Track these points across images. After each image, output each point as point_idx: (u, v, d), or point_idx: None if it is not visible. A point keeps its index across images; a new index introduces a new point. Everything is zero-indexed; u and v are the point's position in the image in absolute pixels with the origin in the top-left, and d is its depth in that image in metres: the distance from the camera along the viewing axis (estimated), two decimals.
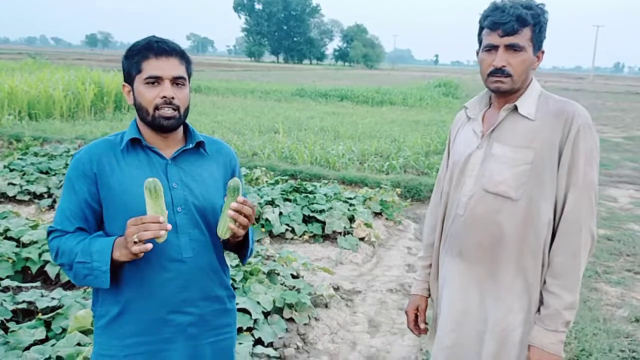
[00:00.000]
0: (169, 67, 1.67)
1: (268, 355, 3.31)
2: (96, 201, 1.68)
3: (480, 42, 1.88)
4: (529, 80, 1.88)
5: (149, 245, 1.53)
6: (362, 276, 5.14)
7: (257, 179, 7.76)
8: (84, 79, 16.36)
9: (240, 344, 3.22)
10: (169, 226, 1.55)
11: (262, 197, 6.23)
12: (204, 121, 13.96)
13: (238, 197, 1.66)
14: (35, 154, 8.61)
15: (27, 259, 4.18)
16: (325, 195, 6.69)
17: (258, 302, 3.60)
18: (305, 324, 3.83)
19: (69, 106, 14.74)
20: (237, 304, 3.46)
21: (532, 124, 1.82)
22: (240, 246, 1.86)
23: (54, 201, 6.82)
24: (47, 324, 3.21)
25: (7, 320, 3.25)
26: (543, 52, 1.87)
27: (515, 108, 1.85)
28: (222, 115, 15.61)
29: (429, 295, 2.21)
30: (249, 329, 3.46)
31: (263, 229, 5.77)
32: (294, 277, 4.40)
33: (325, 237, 5.95)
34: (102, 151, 1.70)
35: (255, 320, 3.50)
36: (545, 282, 1.82)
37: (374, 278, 5.09)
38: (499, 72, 1.80)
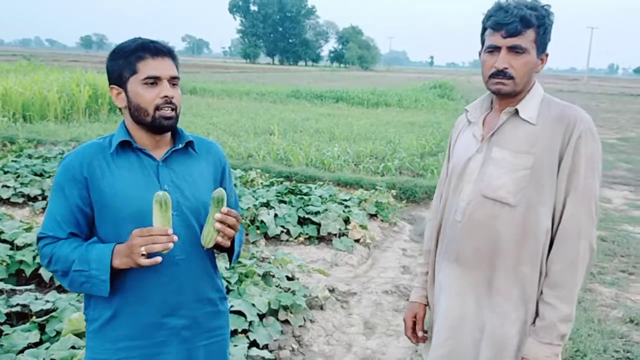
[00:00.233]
0: (165, 67, 1.68)
1: (263, 358, 3.30)
2: (88, 205, 1.66)
3: (483, 42, 1.83)
4: (531, 83, 1.83)
5: (159, 259, 1.55)
6: (357, 278, 5.14)
7: (252, 180, 7.76)
8: (79, 80, 16.33)
9: (235, 346, 3.22)
10: (176, 238, 1.57)
11: (257, 199, 6.23)
12: (199, 123, 13.95)
13: (222, 207, 1.66)
14: (30, 156, 8.58)
15: (21, 261, 4.16)
16: (320, 197, 6.69)
17: (253, 304, 3.60)
18: (300, 326, 3.82)
19: (63, 108, 14.69)
20: (231, 306, 3.50)
21: (533, 129, 1.77)
22: (227, 250, 1.86)
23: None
24: (41, 327, 3.20)
25: (1, 324, 3.24)
26: (547, 55, 1.81)
27: (517, 112, 1.80)
28: (218, 116, 15.60)
29: (428, 302, 2.16)
30: (244, 331, 3.45)
31: (258, 231, 5.77)
32: (289, 279, 4.39)
33: (321, 238, 5.95)
34: (91, 155, 1.68)
35: (250, 323, 3.50)
36: (542, 292, 1.77)
37: (369, 280, 5.09)
38: (500, 74, 1.75)
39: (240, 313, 3.51)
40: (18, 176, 7.25)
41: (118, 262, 1.57)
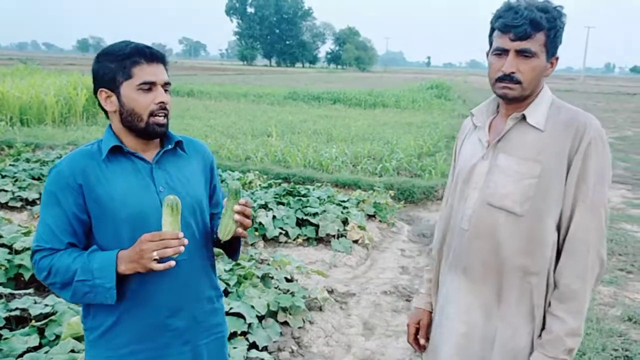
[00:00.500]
0: (160, 72, 1.68)
1: (262, 359, 3.31)
2: (84, 213, 1.63)
3: (491, 43, 1.75)
4: (540, 88, 1.76)
5: (173, 263, 1.56)
6: (356, 279, 5.15)
7: (250, 182, 7.76)
8: (76, 84, 16.30)
9: (234, 348, 3.22)
10: (186, 241, 1.57)
11: (255, 201, 6.23)
12: (196, 125, 13.95)
13: (240, 199, 1.70)
14: (27, 160, 8.58)
15: (19, 265, 4.16)
16: (318, 198, 6.69)
17: (252, 306, 3.60)
18: (299, 328, 3.83)
19: (60, 112, 14.68)
20: (230, 308, 3.50)
21: (540, 135, 1.70)
22: (232, 243, 1.88)
23: None
24: (41, 331, 3.20)
25: (0, 328, 3.23)
26: (557, 59, 1.74)
27: (524, 117, 1.73)
28: (215, 119, 15.60)
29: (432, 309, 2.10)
30: (244, 333, 3.46)
31: (257, 233, 5.77)
32: (288, 280, 4.40)
33: (319, 240, 5.96)
34: (83, 162, 1.64)
35: (250, 325, 3.50)
36: (550, 304, 1.72)
37: (368, 280, 5.10)
38: (507, 78, 1.68)
39: (239, 315, 3.51)
40: (16, 180, 7.25)
41: (124, 268, 1.56)
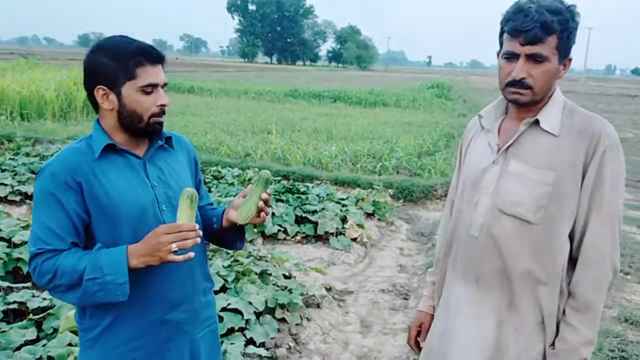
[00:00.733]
0: (161, 73, 1.67)
1: (260, 356, 3.31)
2: (84, 211, 1.60)
3: (501, 43, 1.68)
4: (552, 90, 1.70)
5: (192, 254, 1.56)
6: (354, 276, 5.15)
7: (249, 179, 7.76)
8: (76, 79, 16.31)
9: (232, 344, 3.23)
10: (201, 232, 1.58)
11: None
12: (197, 122, 13.95)
13: (268, 189, 1.77)
14: (27, 154, 8.58)
15: (18, 259, 4.17)
16: (317, 196, 6.70)
17: (250, 302, 3.61)
18: (297, 324, 3.83)
19: (61, 106, 14.69)
20: (229, 304, 3.51)
21: (554, 141, 1.64)
22: (237, 232, 1.91)
23: None
24: (38, 324, 3.21)
25: None
26: (570, 60, 1.67)
27: (537, 122, 1.67)
28: (215, 116, 15.60)
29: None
30: (241, 329, 3.46)
31: (255, 230, 5.78)
32: (286, 277, 4.40)
33: (318, 237, 5.96)
34: (78, 160, 1.61)
35: (247, 321, 3.51)
36: (564, 313, 1.68)
37: (366, 278, 5.11)
38: (517, 83, 1.62)
39: (237, 311, 3.52)
40: (15, 174, 7.25)
41: (136, 262, 1.54)
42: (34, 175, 7.21)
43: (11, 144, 9.93)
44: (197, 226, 1.56)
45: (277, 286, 4.12)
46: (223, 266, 4.10)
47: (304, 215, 6.10)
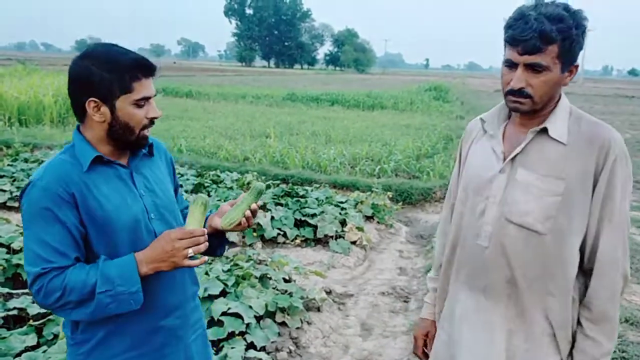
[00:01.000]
0: (152, 86, 1.64)
1: (260, 359, 3.31)
2: (81, 223, 1.56)
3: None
4: (557, 98, 1.67)
5: (206, 258, 1.59)
6: (354, 280, 5.15)
7: (248, 183, 7.76)
8: None
9: (232, 348, 3.22)
10: (207, 237, 1.60)
11: None
12: (195, 126, 13.94)
13: (259, 201, 1.78)
14: (26, 160, 8.57)
15: (17, 265, 4.16)
16: (316, 199, 6.70)
17: (250, 307, 3.61)
18: (297, 328, 3.83)
19: (59, 112, 14.69)
20: (229, 308, 3.50)
21: (563, 150, 1.61)
22: (219, 237, 1.90)
23: None
24: (39, 331, 3.20)
25: None
26: (577, 67, 1.62)
27: (544, 130, 1.64)
28: (214, 120, 15.61)
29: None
30: (241, 333, 3.46)
31: (255, 234, 5.78)
32: (286, 281, 4.40)
33: (317, 241, 5.96)
34: (69, 172, 1.56)
35: (248, 325, 3.51)
36: (581, 325, 1.66)
37: (365, 281, 5.11)
38: (517, 92, 1.59)
39: (237, 315, 3.51)
40: (14, 180, 7.25)
41: (146, 270, 1.54)
42: None
43: (9, 150, 9.92)
44: (206, 231, 1.58)
45: (277, 290, 4.12)
46: (223, 270, 4.09)
47: (303, 218, 6.11)
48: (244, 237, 5.77)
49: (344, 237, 5.92)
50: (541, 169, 1.63)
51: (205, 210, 1.61)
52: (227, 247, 1.98)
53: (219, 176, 7.98)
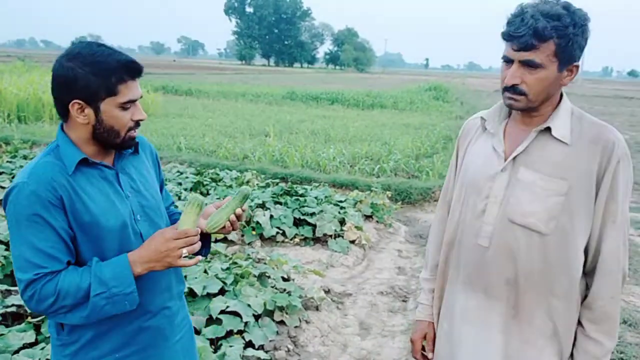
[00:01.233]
0: (139, 87, 1.61)
1: (259, 358, 3.31)
2: (70, 227, 1.53)
3: None
4: (556, 98, 1.66)
5: (200, 257, 1.61)
6: (352, 279, 5.15)
7: (247, 182, 7.76)
8: None
9: (231, 346, 3.22)
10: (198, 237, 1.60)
11: (252, 200, 6.23)
12: (194, 124, 13.94)
13: (244, 205, 1.77)
14: (25, 157, 8.57)
15: None
16: (316, 198, 6.70)
17: (249, 305, 3.61)
18: (296, 327, 3.83)
19: None
20: (227, 306, 3.50)
21: (566, 150, 1.60)
22: (205, 240, 1.89)
23: None
24: (37, 328, 3.20)
25: None
26: (577, 66, 1.60)
27: (547, 129, 1.63)
28: (213, 118, 15.61)
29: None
30: (240, 332, 3.46)
31: (254, 232, 5.77)
32: (284, 279, 4.40)
33: (316, 240, 5.96)
34: (55, 176, 1.52)
35: (246, 323, 3.50)
36: (582, 325, 1.67)
37: (364, 281, 5.10)
38: (511, 89, 1.60)
39: (235, 314, 3.51)
40: (13, 177, 7.24)
41: (140, 270, 1.54)
42: None
43: (8, 147, 9.91)
44: (199, 230, 1.58)
45: (276, 289, 4.12)
46: (222, 269, 4.09)
47: (302, 217, 6.10)
48: (243, 235, 5.76)
49: (342, 236, 5.92)
50: (544, 169, 1.62)
51: (200, 211, 1.61)
52: (210, 248, 1.97)
53: (218, 174, 7.98)
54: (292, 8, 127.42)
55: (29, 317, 3.29)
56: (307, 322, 3.97)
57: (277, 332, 3.68)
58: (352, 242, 5.91)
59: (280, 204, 6.38)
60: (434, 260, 2.01)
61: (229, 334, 3.42)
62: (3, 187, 6.87)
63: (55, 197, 1.50)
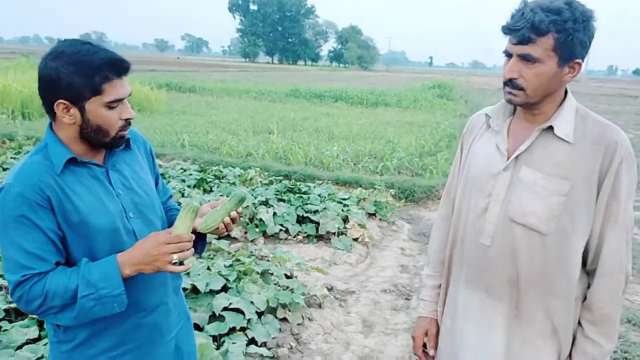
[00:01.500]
0: (126, 85, 1.58)
1: (261, 355, 3.31)
2: (58, 227, 1.52)
3: None
4: (559, 95, 1.63)
5: (191, 264, 1.58)
6: (355, 276, 5.15)
7: (251, 179, 7.76)
8: None
9: (233, 343, 3.22)
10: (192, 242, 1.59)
11: (256, 197, 6.23)
12: (198, 122, 13.95)
13: (239, 208, 1.76)
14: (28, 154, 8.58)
15: None
16: (319, 195, 6.69)
17: (252, 302, 3.60)
18: (298, 324, 3.83)
19: None
20: (230, 303, 3.50)
21: (569, 149, 1.59)
22: (200, 238, 1.89)
23: None
24: (40, 323, 3.20)
25: (0, 320, 3.24)
26: (579, 64, 1.57)
27: (549, 128, 1.61)
28: (217, 115, 15.61)
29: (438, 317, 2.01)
30: (243, 329, 3.46)
31: (257, 229, 5.77)
32: (287, 277, 4.40)
33: (319, 237, 5.95)
34: (42, 176, 1.50)
35: (249, 320, 3.50)
36: (582, 326, 1.66)
37: (367, 278, 5.10)
38: (510, 83, 1.59)
39: (238, 310, 3.51)
40: None
41: (129, 272, 1.52)
42: None
43: (13, 143, 9.93)
44: (193, 237, 1.56)
45: (279, 286, 4.11)
46: (225, 266, 4.09)
47: (305, 215, 6.10)
48: (246, 232, 5.76)
49: (346, 234, 5.91)
50: (546, 169, 1.60)
51: (194, 217, 1.58)
52: (205, 246, 1.96)
53: (221, 171, 7.97)
54: (296, 5, 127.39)
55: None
56: (309, 319, 3.96)
57: (280, 329, 3.68)
58: (355, 239, 5.90)
59: (284, 201, 6.38)
60: (437, 256, 2.00)
61: (232, 330, 3.42)
62: None
63: (42, 198, 1.48)
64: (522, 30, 1.50)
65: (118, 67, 1.52)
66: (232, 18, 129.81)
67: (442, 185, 8.10)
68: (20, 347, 2.93)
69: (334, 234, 5.92)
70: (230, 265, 4.15)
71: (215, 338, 3.32)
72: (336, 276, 5.03)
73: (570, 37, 1.50)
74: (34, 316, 3.23)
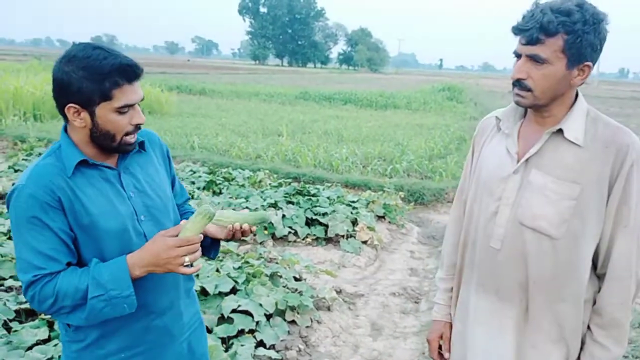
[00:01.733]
0: (138, 90, 1.57)
1: (270, 358, 3.31)
2: (70, 228, 1.53)
3: None
4: (569, 98, 1.62)
5: (200, 265, 1.60)
6: (364, 279, 5.14)
7: (260, 181, 7.77)
8: None
9: (242, 345, 3.22)
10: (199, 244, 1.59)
11: (265, 200, 6.24)
12: (208, 124, 14.00)
13: (253, 227, 1.81)
14: (40, 155, 8.64)
15: None
16: (328, 198, 6.69)
17: (260, 304, 3.61)
18: (307, 327, 3.82)
19: None
20: (239, 305, 3.50)
21: (579, 153, 1.57)
22: (213, 242, 1.90)
23: None
24: (50, 324, 3.22)
25: (10, 320, 3.26)
26: (589, 66, 1.55)
27: (560, 131, 1.60)
28: (226, 117, 15.67)
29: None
30: (251, 331, 3.46)
31: (266, 232, 5.78)
32: (296, 279, 4.40)
33: (328, 240, 5.95)
34: (54, 177, 1.52)
35: (258, 322, 3.51)
36: (591, 330, 1.65)
37: (376, 281, 5.09)
38: (518, 84, 1.58)
39: (247, 313, 3.52)
40: None
41: (138, 273, 1.52)
42: None
43: (24, 145, 10.02)
44: (202, 237, 1.57)
45: (288, 288, 4.11)
46: (234, 268, 4.10)
47: (314, 217, 6.10)
48: (255, 235, 5.77)
49: (355, 237, 5.91)
50: (557, 172, 1.59)
51: (207, 223, 1.58)
52: (219, 251, 1.98)
53: (231, 174, 8.00)
54: (306, 8, 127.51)
55: (42, 314, 3.31)
56: (318, 322, 3.96)
57: (289, 331, 3.68)
58: (364, 242, 5.89)
59: (293, 203, 6.38)
60: (450, 259, 2.00)
61: (241, 333, 3.42)
62: None
63: (53, 199, 1.49)
64: (531, 31, 1.50)
65: (128, 72, 1.53)
66: (242, 20, 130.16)
67: (452, 188, 8.08)
68: (30, 348, 2.95)
69: (342, 236, 5.91)
70: (239, 268, 4.16)
71: (223, 340, 3.32)
72: (345, 279, 5.02)
73: (580, 39, 1.48)
74: (45, 317, 3.24)
